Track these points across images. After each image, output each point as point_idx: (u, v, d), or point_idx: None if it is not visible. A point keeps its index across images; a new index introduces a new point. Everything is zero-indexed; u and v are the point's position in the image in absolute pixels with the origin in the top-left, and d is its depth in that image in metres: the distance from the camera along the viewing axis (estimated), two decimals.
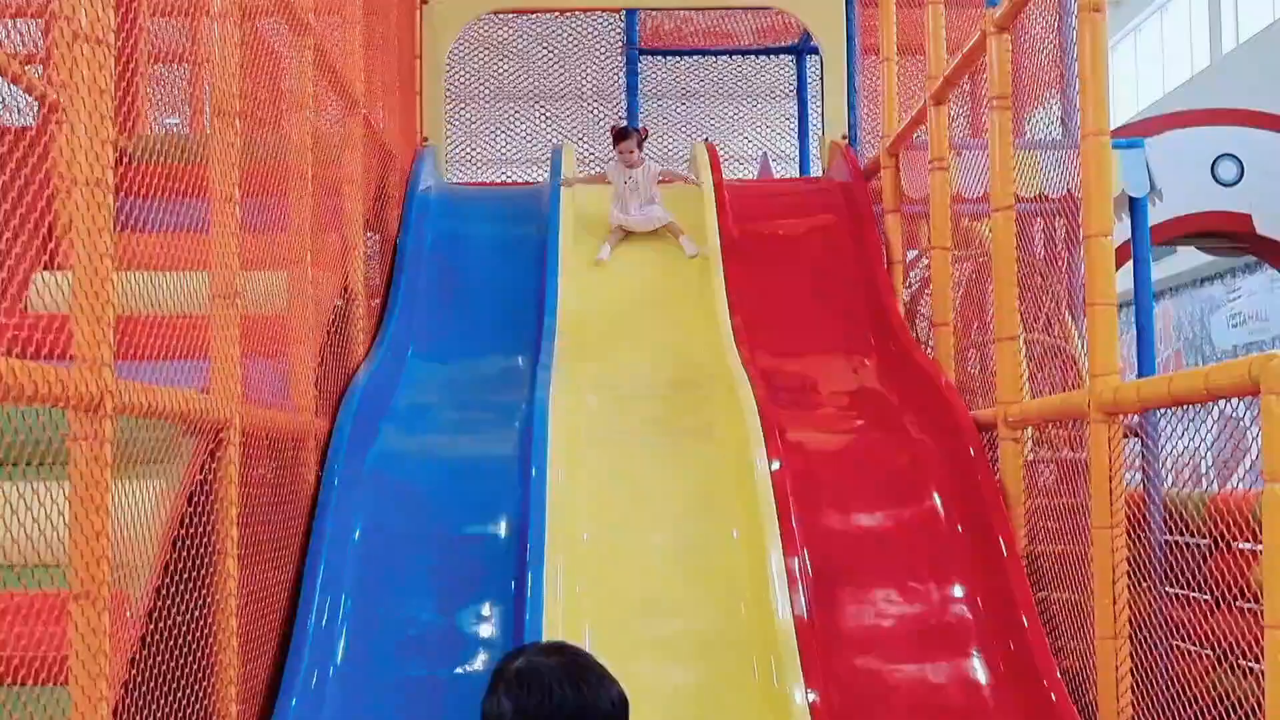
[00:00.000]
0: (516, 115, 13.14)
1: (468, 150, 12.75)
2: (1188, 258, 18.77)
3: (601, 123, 12.55)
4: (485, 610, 6.02)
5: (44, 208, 3.85)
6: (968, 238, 7.74)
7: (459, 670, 5.81)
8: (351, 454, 6.50)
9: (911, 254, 8.68)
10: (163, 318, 4.55)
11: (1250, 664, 4.55)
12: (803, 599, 5.88)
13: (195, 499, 4.74)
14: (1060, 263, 7.48)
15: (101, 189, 3.77)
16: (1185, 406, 4.85)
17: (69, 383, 3.53)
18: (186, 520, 4.66)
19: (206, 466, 4.85)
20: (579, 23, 12.45)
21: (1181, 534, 6.14)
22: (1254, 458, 4.19)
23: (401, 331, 7.83)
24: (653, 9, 12.10)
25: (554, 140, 11.91)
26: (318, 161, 6.46)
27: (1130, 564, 5.18)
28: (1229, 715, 4.45)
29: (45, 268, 5.76)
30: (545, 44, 12.67)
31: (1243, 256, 16.25)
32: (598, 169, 9.70)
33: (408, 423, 7.16)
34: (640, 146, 9.06)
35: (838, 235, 8.70)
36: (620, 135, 9.12)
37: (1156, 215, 10.69)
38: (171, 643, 4.48)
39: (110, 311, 3.78)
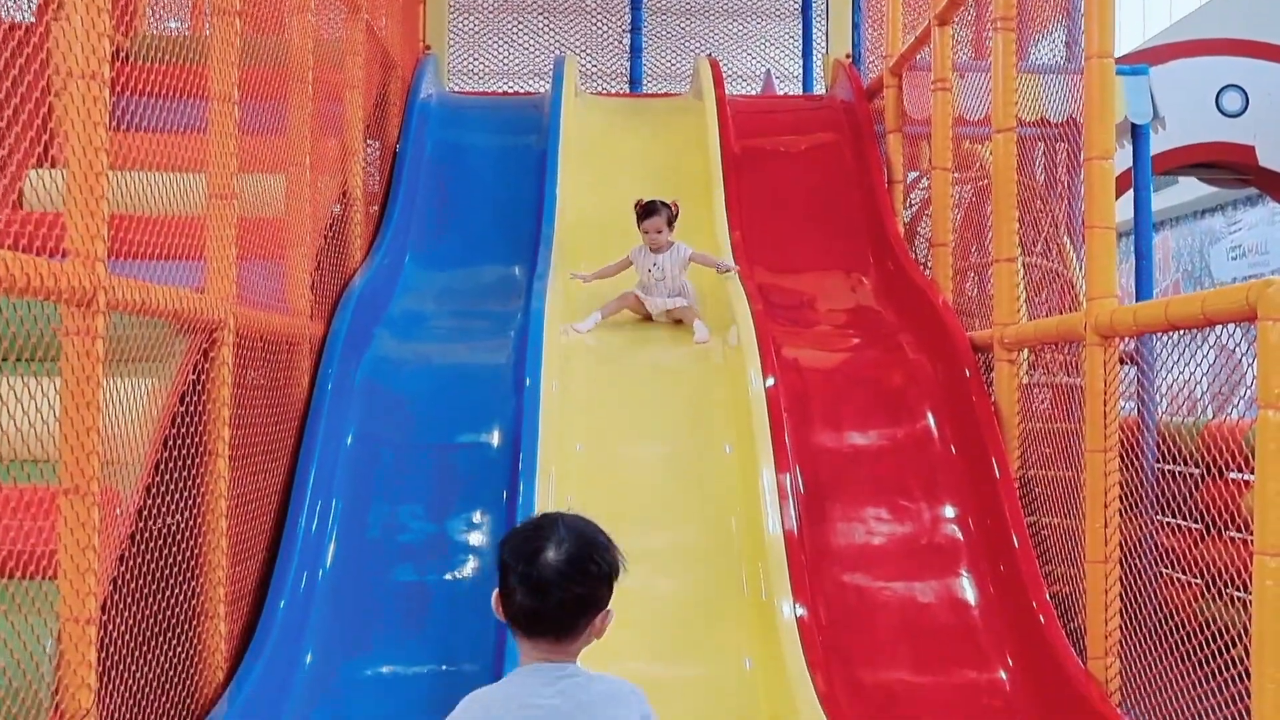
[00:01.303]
0: (520, 27, 13.02)
1: (470, 61, 12.65)
2: (1189, 188, 18.69)
3: (605, 37, 12.45)
4: (476, 518, 6.03)
5: (39, 101, 3.82)
6: (968, 160, 7.70)
7: (448, 577, 5.83)
8: (346, 359, 6.49)
9: (912, 176, 8.63)
10: (159, 218, 4.52)
11: (1236, 592, 4.56)
12: (793, 514, 5.89)
13: (187, 399, 4.74)
14: (1060, 188, 7.44)
15: (97, 82, 3.74)
16: (1181, 333, 4.84)
17: (61, 276, 3.51)
18: (178, 419, 4.65)
19: (199, 366, 4.84)
20: None
21: (1174, 462, 6.14)
22: (1250, 387, 4.18)
23: (399, 239, 7.80)
24: None
25: (557, 53, 11.81)
26: (318, 65, 6.41)
27: (1122, 490, 5.19)
28: (1214, 642, 4.47)
29: (40, 164, 5.72)
30: None
31: (1244, 189, 16.18)
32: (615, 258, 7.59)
33: (403, 330, 7.15)
34: (670, 225, 7.42)
35: (839, 154, 8.65)
36: (645, 212, 7.44)
37: (1159, 144, 10.64)
38: (161, 541, 4.49)
39: (104, 206, 3.76)
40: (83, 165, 3.72)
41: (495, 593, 2.82)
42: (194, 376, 4.80)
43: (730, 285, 7.34)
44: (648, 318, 7.34)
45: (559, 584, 2.69)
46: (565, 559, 2.71)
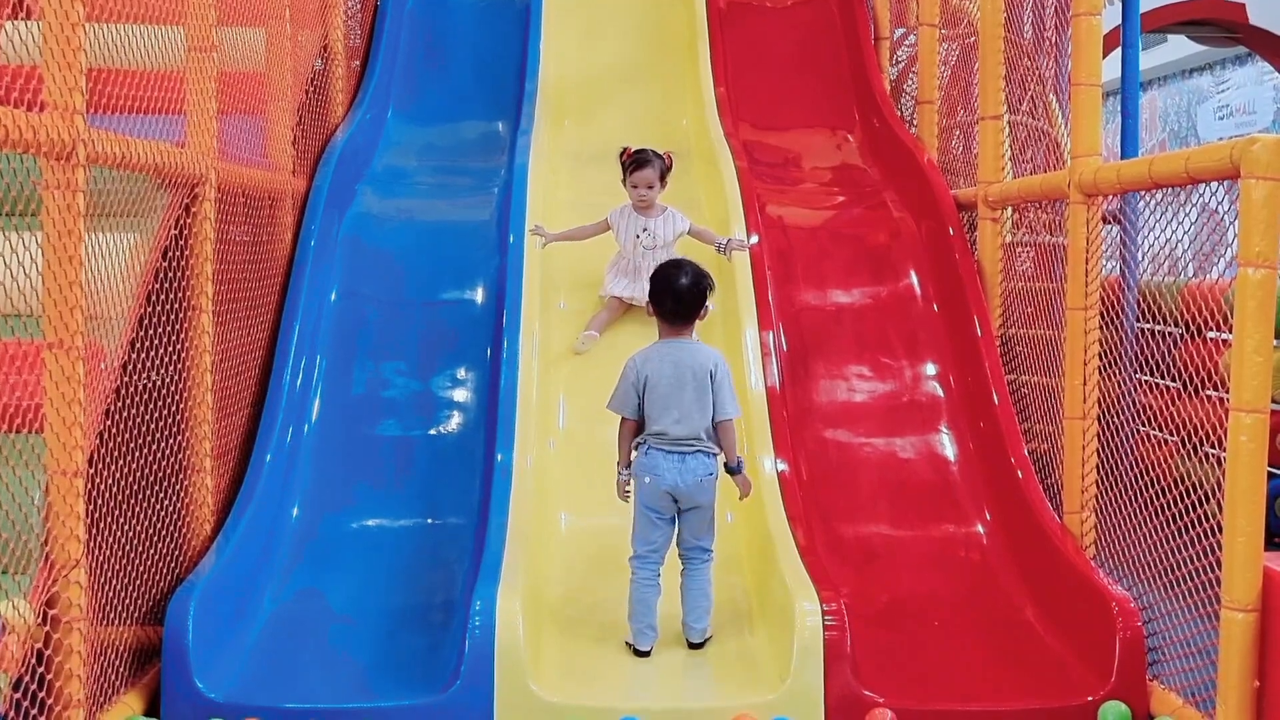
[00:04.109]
0: None
1: None
2: (1178, 47, 18.55)
3: None
4: (460, 375, 6.06)
5: None
6: (956, 16, 7.63)
7: (432, 432, 5.88)
8: (329, 215, 6.47)
9: (899, 32, 8.56)
10: (138, 71, 4.48)
11: (1211, 449, 4.61)
12: (776, 372, 5.93)
13: (170, 254, 4.73)
14: (1048, 45, 7.39)
15: None
16: (1165, 193, 4.85)
17: (40, 129, 3.49)
18: (161, 275, 4.65)
19: (181, 222, 4.82)
20: None
21: (1154, 321, 6.17)
22: (1230, 247, 4.20)
23: (381, 94, 7.73)
24: None
25: None
26: None
27: (1102, 348, 5.22)
28: (1188, 497, 4.53)
29: (15, 16, 5.64)
30: None
31: (1233, 48, 16.06)
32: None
33: (386, 186, 7.11)
34: (663, 180, 6.29)
35: (826, 9, 8.54)
36: (635, 163, 6.26)
37: (1148, 1, 10.54)
38: (146, 396, 4.51)
39: (81, 58, 3.73)
40: (58, 16, 3.68)
41: (647, 305, 5.11)
42: (176, 232, 4.79)
43: (719, 151, 7.22)
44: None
45: (686, 293, 4.96)
46: (690, 282, 4.98)
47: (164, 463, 4.72)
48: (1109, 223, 5.52)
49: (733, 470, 4.98)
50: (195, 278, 4.89)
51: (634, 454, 4.95)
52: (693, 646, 4.87)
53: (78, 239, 3.74)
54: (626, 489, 4.96)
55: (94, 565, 4.01)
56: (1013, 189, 6.13)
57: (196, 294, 4.90)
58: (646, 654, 4.84)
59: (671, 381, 4.87)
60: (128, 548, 4.33)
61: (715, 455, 4.92)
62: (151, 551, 4.55)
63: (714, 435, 4.92)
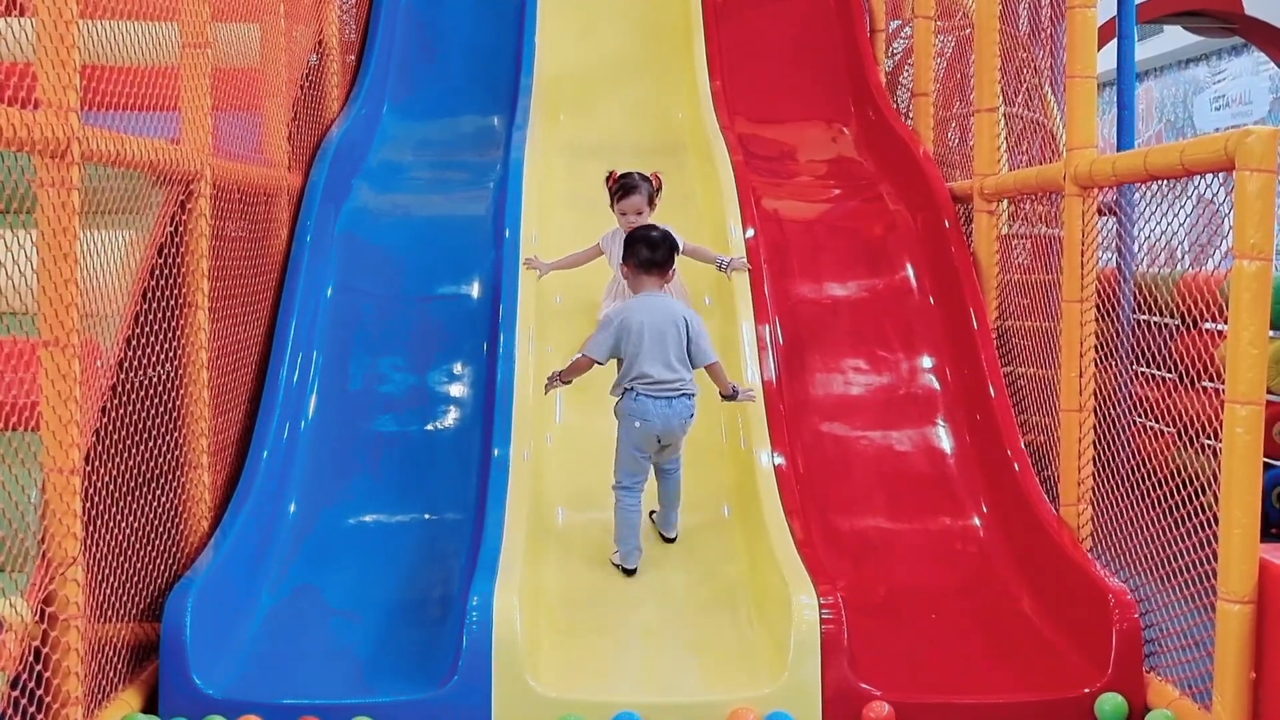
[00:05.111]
0: None
1: None
2: (1173, 37, 18.55)
3: None
4: (457, 369, 6.06)
5: None
6: (951, 8, 7.63)
7: (429, 427, 5.88)
8: (324, 211, 6.46)
9: (894, 24, 8.55)
10: (132, 68, 4.47)
11: (1207, 441, 4.62)
12: (772, 365, 5.93)
13: (166, 251, 4.73)
14: (1043, 37, 7.38)
15: None
16: (1160, 184, 4.84)
17: (34, 127, 3.49)
18: (157, 272, 4.65)
19: (177, 218, 4.82)
20: None
21: (1150, 313, 6.17)
22: (1227, 238, 4.20)
23: (376, 88, 7.72)
24: None
25: None
26: None
27: (1098, 340, 5.22)
28: (1184, 489, 4.53)
29: (8, 13, 5.63)
30: None
31: (1229, 38, 16.05)
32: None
33: (382, 181, 7.11)
34: (652, 204, 6.11)
35: (821, 1, 8.53)
36: (621, 190, 6.09)
37: None
38: (143, 393, 4.51)
39: (75, 55, 3.73)
40: (52, 13, 3.67)
41: (621, 264, 5.51)
42: (172, 229, 4.78)
43: (714, 144, 7.21)
44: None
45: (660, 242, 5.37)
46: (661, 234, 5.40)
47: (161, 459, 4.71)
48: (1105, 215, 5.52)
49: (730, 396, 5.47)
50: (191, 274, 4.89)
51: (620, 399, 5.34)
52: (667, 541, 5.49)
53: (73, 236, 3.74)
54: (550, 387, 5.39)
55: (91, 562, 4.01)
56: (1008, 181, 6.13)
57: (192, 290, 4.89)
58: (633, 572, 5.28)
59: (656, 328, 5.27)
60: (125, 545, 4.33)
61: (694, 395, 5.35)
62: (149, 548, 4.55)
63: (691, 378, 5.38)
